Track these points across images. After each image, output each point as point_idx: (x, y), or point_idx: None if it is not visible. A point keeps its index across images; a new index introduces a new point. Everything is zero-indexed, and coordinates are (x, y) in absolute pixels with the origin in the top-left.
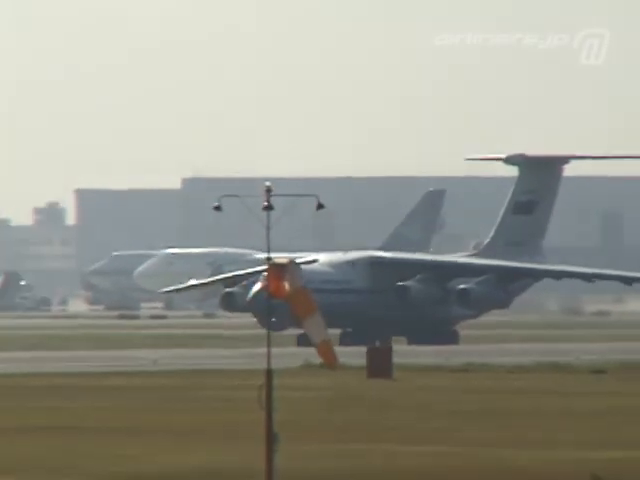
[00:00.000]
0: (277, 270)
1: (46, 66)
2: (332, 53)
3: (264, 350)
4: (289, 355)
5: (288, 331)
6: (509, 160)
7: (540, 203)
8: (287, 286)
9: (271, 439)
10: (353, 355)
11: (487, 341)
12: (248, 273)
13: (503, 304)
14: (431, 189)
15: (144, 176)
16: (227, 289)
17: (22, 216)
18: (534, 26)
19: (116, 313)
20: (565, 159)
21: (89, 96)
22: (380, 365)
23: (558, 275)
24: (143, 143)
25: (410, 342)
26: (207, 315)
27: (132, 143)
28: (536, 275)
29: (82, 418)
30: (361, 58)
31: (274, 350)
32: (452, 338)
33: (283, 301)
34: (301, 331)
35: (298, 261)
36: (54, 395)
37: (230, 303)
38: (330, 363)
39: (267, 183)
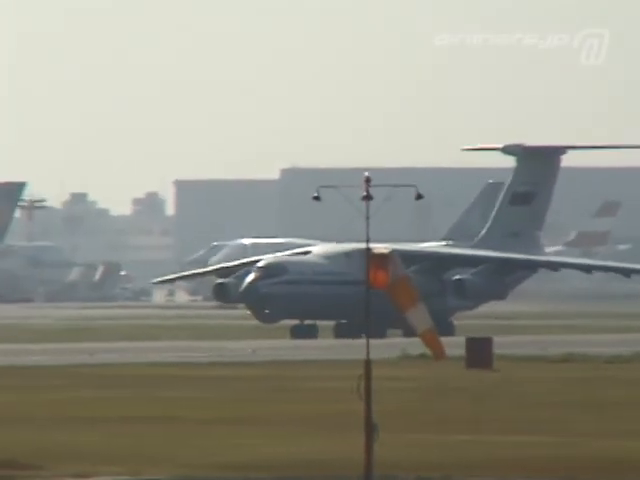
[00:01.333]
0: (378, 260)
1: (143, 60)
2: (332, 53)
3: (356, 341)
4: (387, 346)
5: (282, 323)
6: (506, 150)
7: (538, 194)
8: (388, 276)
9: (370, 429)
10: (452, 345)
11: (580, 332)
12: (241, 264)
13: (499, 295)
14: (491, 181)
15: (243, 167)
16: (220, 280)
17: (121, 206)
18: (534, 26)
19: (216, 304)
20: (563, 149)
21: (189, 88)
22: (480, 355)
23: (555, 266)
24: (242, 134)
25: (406, 334)
26: None
27: (231, 134)
28: (533, 266)
29: (183, 408)
30: (360, 58)
31: (372, 341)
32: (448, 330)
33: (384, 290)
34: (295, 322)
35: (289, 253)
36: (155, 385)
37: (223, 294)
38: (438, 353)
39: (366, 173)
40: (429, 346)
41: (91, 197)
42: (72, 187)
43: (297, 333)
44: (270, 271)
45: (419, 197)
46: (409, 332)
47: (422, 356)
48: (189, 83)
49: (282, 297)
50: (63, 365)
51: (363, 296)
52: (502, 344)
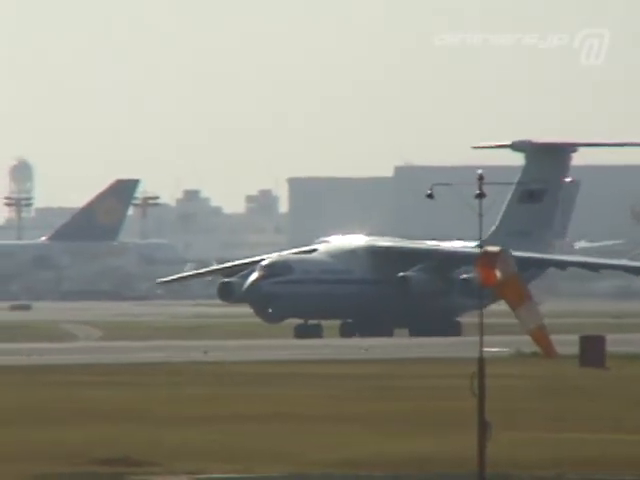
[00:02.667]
0: (488, 259)
1: (258, 60)
2: (330, 53)
3: (470, 339)
4: (498, 343)
5: (286, 322)
6: (515, 147)
7: (548, 191)
8: (498, 274)
9: (483, 427)
10: (565, 343)
11: None
12: (246, 263)
13: None
14: (569, 179)
15: (357, 164)
16: (225, 279)
17: (234, 204)
18: (534, 26)
19: None
20: (573, 146)
21: (302, 86)
22: (593, 353)
23: (563, 265)
24: (357, 131)
25: (412, 333)
26: None
27: (345, 131)
28: (540, 264)
29: (295, 406)
30: (360, 58)
31: (485, 339)
32: (455, 329)
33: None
34: (300, 322)
35: (294, 251)
36: (268, 383)
37: (227, 293)
38: (548, 351)
39: (479, 171)
40: (539, 344)
41: (204, 194)
42: (186, 184)
43: (301, 333)
44: (274, 270)
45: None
46: (415, 331)
47: (535, 354)
48: (302, 82)
49: (285, 296)
50: (177, 362)
51: (369, 295)
52: (614, 342)
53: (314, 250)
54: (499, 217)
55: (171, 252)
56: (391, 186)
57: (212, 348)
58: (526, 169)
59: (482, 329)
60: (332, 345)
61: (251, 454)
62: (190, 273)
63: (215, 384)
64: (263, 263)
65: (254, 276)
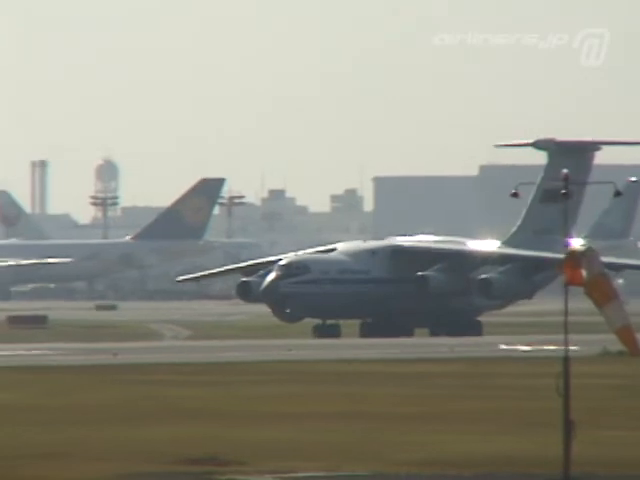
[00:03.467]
0: (574, 258)
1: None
2: (331, 53)
3: (556, 337)
4: (586, 342)
5: (304, 321)
6: (538, 145)
7: (571, 191)
8: (584, 273)
9: (569, 427)
10: None
11: None
12: (265, 262)
13: (527, 295)
14: (634, 179)
15: (442, 163)
16: (243, 278)
17: (320, 203)
18: (534, 26)
19: None
20: (596, 145)
21: (387, 87)
22: None
23: None
24: (441, 130)
25: (432, 333)
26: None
27: (430, 130)
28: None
29: (380, 404)
30: (360, 58)
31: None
32: (476, 329)
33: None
34: (318, 321)
35: (313, 251)
36: (354, 381)
37: (246, 292)
38: (633, 350)
39: (564, 170)
40: (625, 343)
41: (290, 194)
42: (271, 184)
43: (319, 332)
44: (292, 270)
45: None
46: (435, 331)
47: (621, 353)
48: (384, 82)
49: (303, 296)
50: (261, 361)
51: (388, 294)
52: None
53: (333, 250)
54: (522, 216)
55: (256, 251)
56: (476, 185)
57: (296, 347)
58: (548, 168)
59: (567, 328)
60: (427, 344)
61: (337, 453)
62: (212, 271)
63: (300, 382)
64: (280, 263)
65: (271, 276)
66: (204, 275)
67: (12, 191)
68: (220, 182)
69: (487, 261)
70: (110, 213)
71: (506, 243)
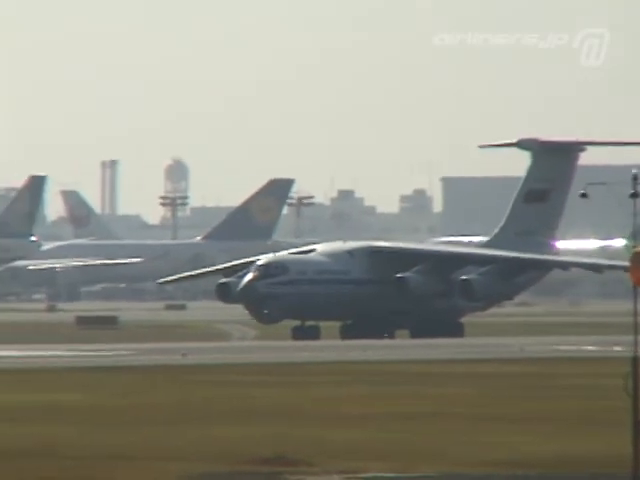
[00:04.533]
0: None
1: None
2: (331, 53)
3: (625, 338)
4: (619, 343)
5: (282, 323)
6: (521, 145)
7: (554, 191)
8: None
9: (638, 426)
10: None
11: None
12: (245, 263)
13: (507, 296)
14: None
15: (509, 164)
16: (222, 279)
17: (388, 204)
18: (534, 26)
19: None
20: (580, 145)
21: (448, 86)
22: None
23: (566, 266)
24: (509, 131)
25: (413, 335)
26: (573, 304)
27: (498, 131)
28: (541, 266)
29: (451, 405)
30: (360, 58)
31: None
32: (457, 331)
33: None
34: (297, 323)
35: (292, 251)
36: (424, 382)
37: (224, 294)
38: None
39: (634, 171)
40: None
41: (358, 194)
42: (340, 184)
43: (298, 334)
44: (270, 270)
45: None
46: (416, 333)
47: None
48: (450, 82)
49: (281, 297)
50: (335, 361)
51: (367, 296)
52: None
53: (312, 251)
54: (504, 217)
55: None
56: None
57: (371, 347)
58: (532, 168)
59: (637, 327)
60: (494, 344)
61: (408, 453)
62: (192, 273)
63: (374, 383)
64: (258, 263)
65: (249, 276)
66: (185, 277)
67: (82, 191)
68: (289, 182)
69: (468, 262)
70: (179, 213)
71: (489, 244)
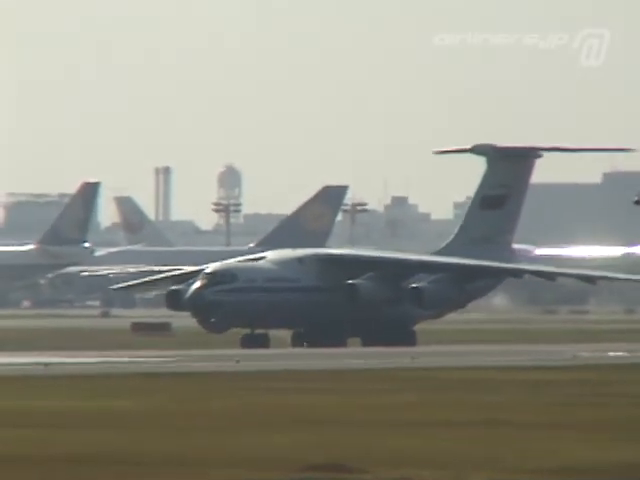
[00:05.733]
0: None
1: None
2: (330, 53)
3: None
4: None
5: (231, 332)
6: (476, 150)
7: (510, 197)
8: None
9: None
10: None
11: None
12: (197, 271)
13: (459, 304)
14: None
15: (565, 170)
16: (173, 287)
17: (442, 210)
18: (534, 26)
19: (538, 308)
20: (536, 151)
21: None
22: None
23: (519, 273)
24: (566, 137)
25: (365, 343)
26: (629, 311)
27: (555, 136)
28: (494, 273)
29: (503, 412)
30: (360, 58)
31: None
32: (409, 339)
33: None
34: (246, 331)
35: (240, 259)
36: (475, 389)
37: (174, 301)
38: None
39: None
40: None
41: (412, 201)
42: (394, 191)
43: (247, 343)
44: (217, 278)
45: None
46: (368, 341)
47: None
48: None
49: (229, 305)
50: (383, 369)
51: (317, 303)
52: None
53: (261, 258)
54: (459, 224)
55: None
56: (599, 193)
57: (420, 354)
58: (487, 174)
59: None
60: (547, 351)
61: (459, 461)
62: (145, 280)
63: (423, 390)
64: (206, 270)
65: (197, 284)
66: (137, 284)
67: (136, 197)
68: (343, 189)
69: (419, 270)
70: (233, 220)
71: (443, 251)
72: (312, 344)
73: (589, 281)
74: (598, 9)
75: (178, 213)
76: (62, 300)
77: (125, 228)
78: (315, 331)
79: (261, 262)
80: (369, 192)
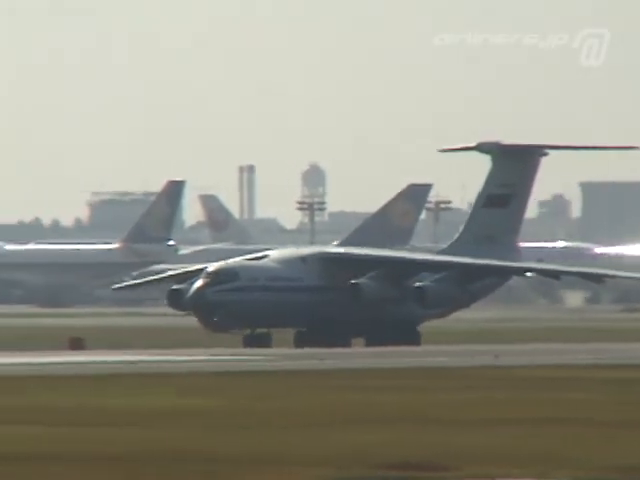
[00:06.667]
0: None
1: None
2: (330, 53)
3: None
4: None
5: (234, 331)
6: (481, 148)
7: (515, 196)
8: None
9: None
10: None
11: None
12: (198, 269)
13: (464, 303)
14: None
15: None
16: (174, 286)
17: (528, 210)
18: (534, 26)
19: (621, 307)
20: (541, 148)
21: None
22: None
23: (523, 272)
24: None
25: (368, 343)
26: None
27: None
28: (498, 272)
29: (587, 410)
30: (360, 58)
31: None
32: (414, 339)
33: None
34: (247, 331)
35: (243, 258)
36: (557, 387)
37: (175, 301)
38: None
39: None
40: None
41: None
42: (477, 189)
43: (249, 342)
44: (220, 277)
45: None
46: (372, 341)
47: None
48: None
49: (231, 304)
50: (467, 367)
51: (320, 302)
52: None
53: (264, 257)
54: (464, 222)
55: None
56: None
57: (504, 352)
58: (492, 172)
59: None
60: (610, 349)
61: (544, 459)
62: (148, 279)
63: (500, 388)
64: (208, 270)
65: (198, 283)
66: (138, 283)
67: (220, 196)
68: (427, 188)
69: (423, 269)
70: (317, 218)
71: (448, 250)
72: (315, 344)
73: (593, 279)
74: (598, 9)
75: (262, 211)
76: (146, 298)
77: (210, 226)
78: (318, 331)
79: (264, 261)
80: (453, 190)
